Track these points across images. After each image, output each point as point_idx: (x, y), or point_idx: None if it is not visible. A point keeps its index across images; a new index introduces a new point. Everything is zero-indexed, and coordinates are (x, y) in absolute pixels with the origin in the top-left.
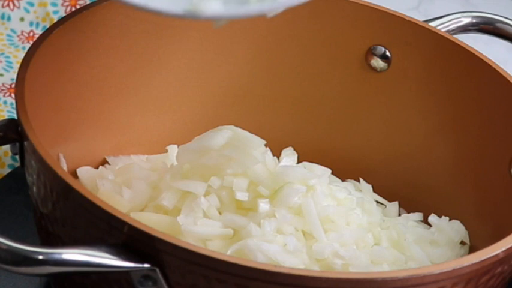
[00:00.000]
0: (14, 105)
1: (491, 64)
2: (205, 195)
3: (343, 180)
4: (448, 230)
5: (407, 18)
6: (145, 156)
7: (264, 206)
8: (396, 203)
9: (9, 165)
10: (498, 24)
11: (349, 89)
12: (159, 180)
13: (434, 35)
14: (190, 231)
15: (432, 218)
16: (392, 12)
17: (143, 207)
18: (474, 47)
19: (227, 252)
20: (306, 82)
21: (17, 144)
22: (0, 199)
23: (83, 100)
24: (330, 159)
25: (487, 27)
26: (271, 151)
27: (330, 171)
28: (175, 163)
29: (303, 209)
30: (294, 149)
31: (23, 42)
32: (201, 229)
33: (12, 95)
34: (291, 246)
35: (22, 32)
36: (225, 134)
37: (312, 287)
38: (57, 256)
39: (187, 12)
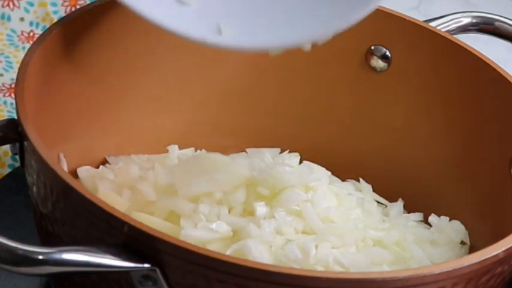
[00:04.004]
0: (14, 105)
1: (491, 64)
2: (204, 203)
3: (343, 180)
4: (448, 230)
5: (407, 18)
6: (146, 155)
7: (261, 209)
8: (400, 203)
9: (9, 165)
10: (498, 24)
11: (349, 89)
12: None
13: (434, 35)
14: (190, 235)
15: (432, 218)
16: (392, 12)
17: (143, 207)
18: (474, 47)
19: (226, 252)
20: (305, 82)
21: (17, 144)
22: (0, 199)
23: (83, 100)
24: (330, 159)
25: (487, 27)
26: (272, 151)
27: (329, 173)
28: (176, 161)
29: (303, 215)
30: (294, 149)
31: (23, 42)
32: (200, 233)
33: (12, 95)
34: (292, 255)
35: (22, 32)
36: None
37: (312, 287)
38: (57, 256)
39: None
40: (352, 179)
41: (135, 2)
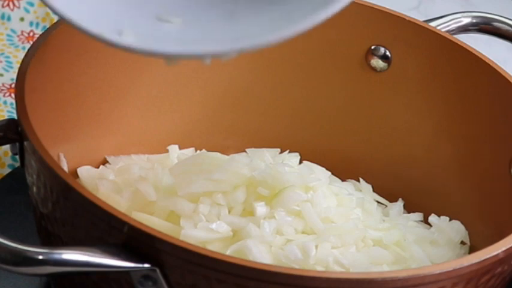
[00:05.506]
0: (14, 105)
1: (491, 64)
2: (203, 203)
3: (343, 180)
4: (448, 230)
5: (407, 18)
6: (146, 155)
7: (261, 209)
8: (400, 203)
9: (9, 165)
10: (498, 24)
11: (349, 89)
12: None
13: (434, 35)
14: (190, 235)
15: (432, 218)
16: (392, 12)
17: (143, 207)
18: (474, 47)
19: (226, 252)
20: (306, 82)
21: (17, 144)
22: (0, 199)
23: (83, 100)
24: (330, 159)
25: (487, 27)
26: (272, 151)
27: (329, 173)
28: (176, 161)
29: (303, 215)
30: (294, 149)
31: (23, 42)
32: (200, 233)
33: (12, 95)
34: (292, 255)
35: (22, 32)
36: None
37: (311, 287)
38: (57, 256)
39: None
40: (352, 179)
41: None
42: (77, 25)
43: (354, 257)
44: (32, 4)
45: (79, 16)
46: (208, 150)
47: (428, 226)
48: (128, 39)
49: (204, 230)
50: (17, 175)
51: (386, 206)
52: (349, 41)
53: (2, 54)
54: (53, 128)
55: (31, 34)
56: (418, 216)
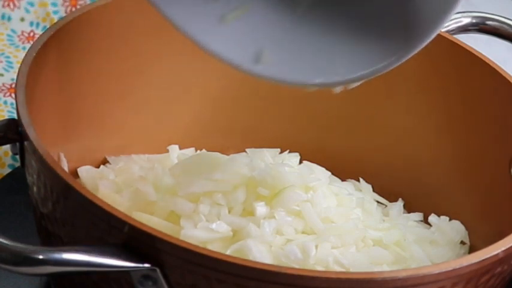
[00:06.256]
0: (14, 105)
1: (491, 64)
2: (204, 203)
3: (343, 180)
4: (448, 230)
5: None
6: (146, 155)
7: (261, 209)
8: (400, 203)
9: (9, 165)
10: (498, 24)
11: (349, 89)
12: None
13: None
14: (190, 235)
15: (432, 218)
16: None
17: (143, 207)
18: (474, 47)
19: (226, 252)
20: None
21: (17, 144)
22: (0, 199)
23: (84, 100)
24: (330, 159)
25: (487, 27)
26: (272, 151)
27: (329, 173)
28: (176, 161)
29: (303, 215)
30: (294, 149)
31: (23, 42)
32: (200, 233)
33: (13, 95)
34: (292, 255)
35: (22, 32)
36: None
37: (312, 287)
38: (57, 256)
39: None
40: (352, 179)
41: (177, 17)
42: (216, 54)
43: (354, 257)
44: (32, 4)
45: (218, 40)
46: (208, 150)
47: (428, 226)
48: (264, 68)
49: (204, 230)
50: (17, 175)
51: (386, 206)
52: None
53: (3, 54)
54: (53, 128)
55: (31, 34)
56: (418, 216)
